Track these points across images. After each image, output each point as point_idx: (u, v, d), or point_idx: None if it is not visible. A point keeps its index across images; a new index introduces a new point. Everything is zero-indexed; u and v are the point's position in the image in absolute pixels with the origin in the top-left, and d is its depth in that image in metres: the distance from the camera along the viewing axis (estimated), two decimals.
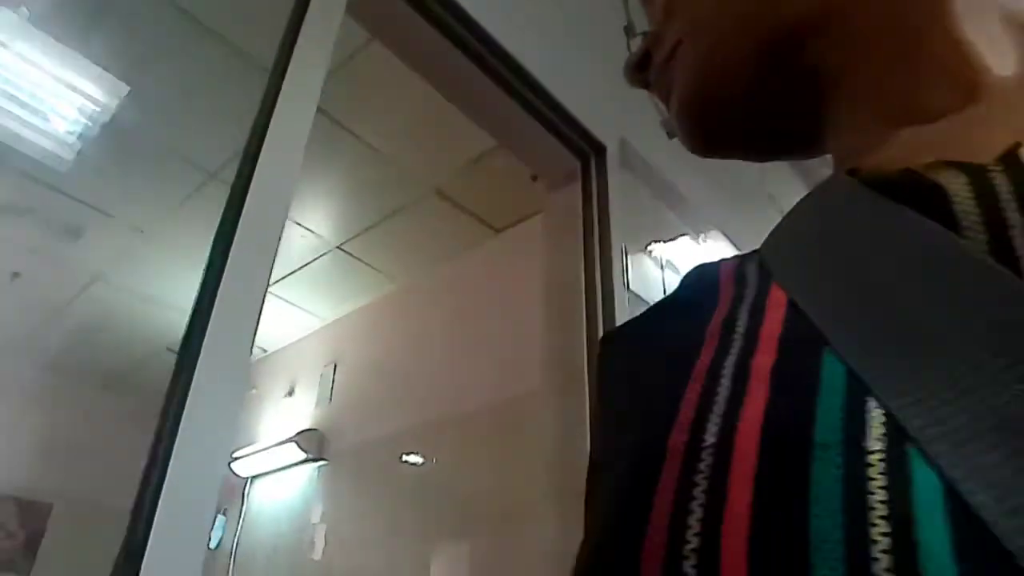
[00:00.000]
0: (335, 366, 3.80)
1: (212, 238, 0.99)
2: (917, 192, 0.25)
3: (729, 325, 0.28)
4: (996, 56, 0.30)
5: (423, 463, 2.97)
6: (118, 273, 3.74)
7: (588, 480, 0.33)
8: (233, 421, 0.86)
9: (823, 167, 0.36)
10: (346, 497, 3.29)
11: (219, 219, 1.01)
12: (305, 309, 4.04)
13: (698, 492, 0.22)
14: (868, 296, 0.25)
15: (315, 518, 3.37)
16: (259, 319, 0.99)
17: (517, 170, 2.81)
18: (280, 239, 1.22)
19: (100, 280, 3.79)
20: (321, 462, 3.51)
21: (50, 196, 3.18)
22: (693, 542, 0.21)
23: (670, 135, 0.46)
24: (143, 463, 0.75)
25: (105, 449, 4.16)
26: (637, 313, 0.36)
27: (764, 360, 0.25)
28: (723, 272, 0.33)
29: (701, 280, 0.34)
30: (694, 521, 0.22)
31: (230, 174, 1.17)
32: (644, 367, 0.32)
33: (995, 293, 0.21)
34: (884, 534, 0.18)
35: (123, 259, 3.61)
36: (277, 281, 3.76)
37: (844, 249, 0.27)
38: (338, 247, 3.46)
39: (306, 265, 3.63)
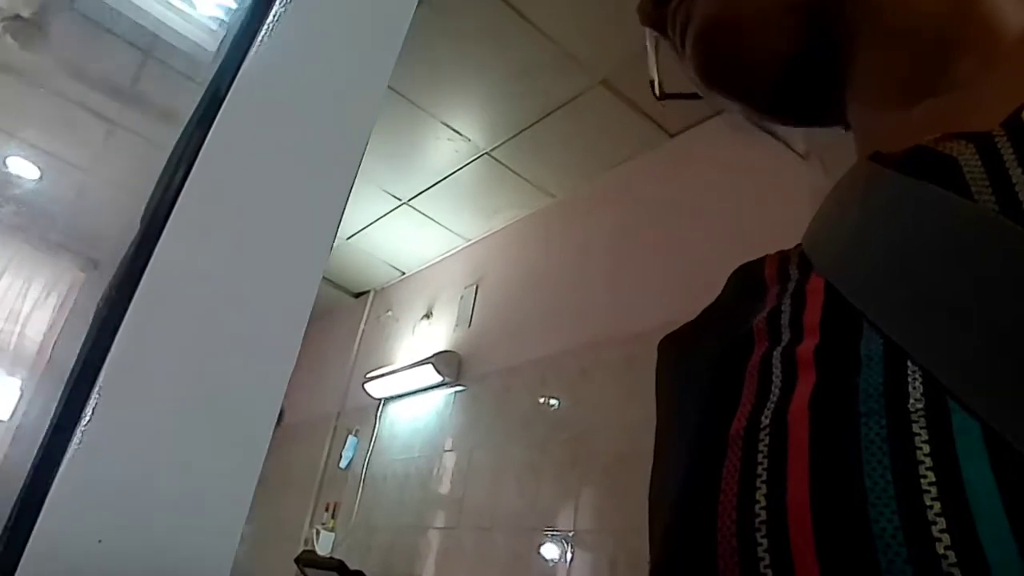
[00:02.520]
0: (476, 287, 3.54)
1: None
2: (931, 165, 0.26)
3: (774, 318, 0.30)
4: (1019, 10, 0.31)
5: (568, 395, 2.64)
6: None
7: (650, 494, 0.33)
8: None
9: None
10: (483, 425, 3.03)
11: None
12: (446, 226, 3.78)
13: (761, 470, 0.24)
14: (897, 269, 0.26)
15: (448, 445, 3.14)
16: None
17: None
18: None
19: None
20: (458, 387, 3.27)
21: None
22: (762, 515, 0.22)
23: (660, 94, 0.50)
24: None
25: None
26: None
27: (809, 345, 0.27)
28: (768, 271, 0.35)
29: (746, 280, 0.36)
30: (760, 496, 0.23)
31: None
32: (701, 372, 0.32)
33: (1006, 249, 0.22)
34: (932, 483, 0.20)
35: None
36: (419, 194, 3.52)
37: (871, 230, 0.28)
38: (487, 153, 3.13)
39: (450, 175, 3.34)
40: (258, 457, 0.35)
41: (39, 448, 0.31)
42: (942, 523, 0.19)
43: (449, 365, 3.31)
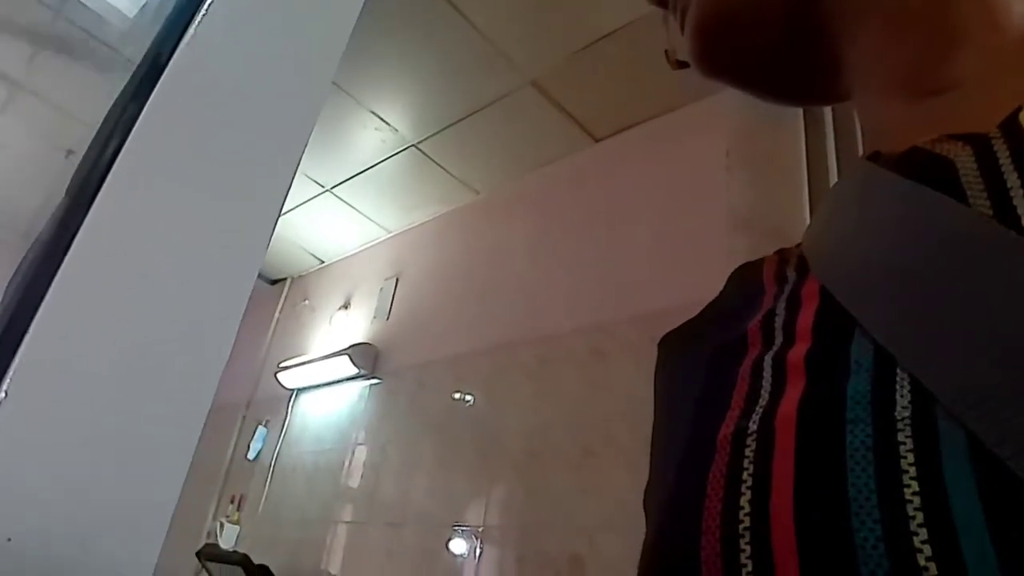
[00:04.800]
0: (396, 280, 3.50)
1: None
2: (927, 167, 0.26)
3: (768, 322, 0.30)
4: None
5: (482, 393, 2.64)
6: None
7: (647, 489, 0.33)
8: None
9: None
10: (396, 419, 3.00)
11: None
12: (368, 217, 3.73)
13: (746, 476, 0.24)
14: (888, 274, 0.26)
15: (360, 438, 3.10)
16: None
17: (628, 66, 2.43)
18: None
19: None
20: (374, 380, 3.23)
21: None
22: (745, 521, 0.22)
23: (675, 64, 0.46)
24: None
25: None
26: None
27: (800, 350, 0.26)
28: (767, 271, 0.34)
29: (745, 281, 0.36)
30: (744, 502, 0.23)
31: None
32: (696, 373, 0.32)
33: (999, 255, 0.22)
34: (916, 493, 0.19)
35: None
36: (342, 182, 3.45)
37: (866, 233, 0.28)
38: (414, 145, 3.10)
39: (375, 165, 3.29)
40: (186, 455, 0.33)
41: None
42: (924, 534, 0.19)
43: (365, 357, 3.26)
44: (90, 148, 0.36)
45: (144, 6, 2.50)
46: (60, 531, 0.30)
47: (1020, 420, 0.19)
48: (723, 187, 2.17)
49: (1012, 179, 0.23)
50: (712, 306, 0.38)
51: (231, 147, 0.38)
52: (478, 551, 2.30)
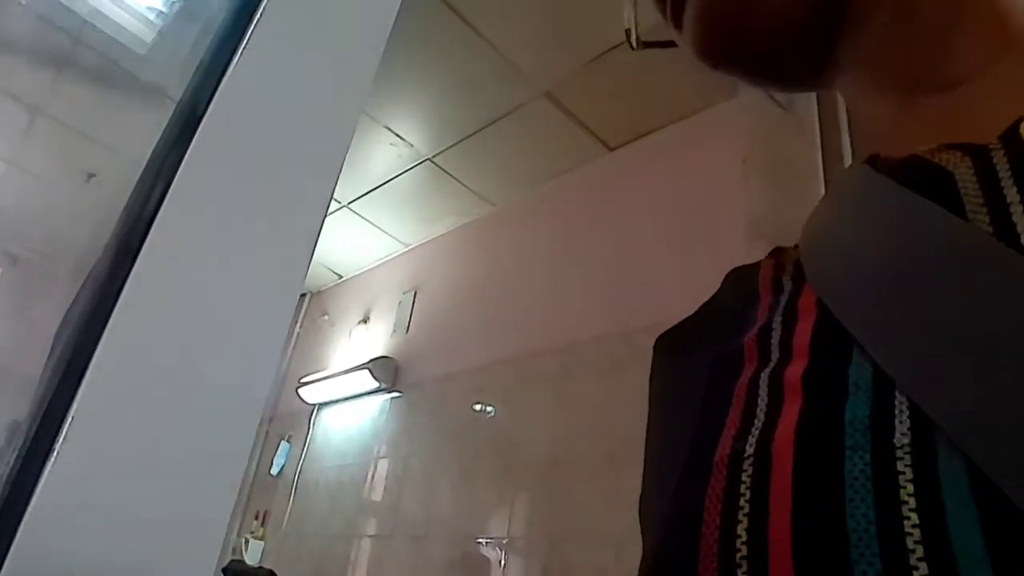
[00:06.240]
0: (415, 293, 3.52)
1: None
2: (926, 178, 0.25)
3: (765, 337, 0.29)
4: None
5: (503, 404, 2.65)
6: None
7: (641, 500, 0.33)
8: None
9: None
10: (418, 432, 3.01)
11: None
12: (386, 231, 3.75)
13: (743, 502, 0.23)
14: (889, 292, 0.25)
15: (382, 451, 3.11)
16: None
17: (641, 74, 2.45)
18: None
19: None
20: (394, 393, 3.25)
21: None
22: (743, 550, 0.22)
23: (639, 44, 0.48)
24: None
25: None
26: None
27: (797, 368, 0.26)
28: (762, 278, 0.34)
29: (740, 286, 0.35)
30: (741, 531, 0.22)
31: None
32: (692, 385, 0.32)
33: (998, 274, 0.21)
34: (916, 525, 0.19)
35: None
36: (359, 197, 3.48)
37: (864, 245, 0.28)
38: (429, 159, 3.13)
39: (392, 180, 3.32)
40: (235, 482, 0.35)
41: (11, 471, 0.30)
42: (924, 568, 0.18)
43: (385, 371, 3.28)
44: (138, 185, 0.38)
45: (160, 31, 2.54)
46: (119, 554, 0.31)
47: (1023, 450, 0.18)
48: (740, 194, 2.17)
49: (1012, 194, 0.22)
50: (707, 308, 0.37)
51: (272, 181, 0.40)
52: (503, 563, 2.30)
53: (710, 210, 2.28)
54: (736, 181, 2.25)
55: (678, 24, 0.41)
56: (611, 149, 2.86)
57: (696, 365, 0.32)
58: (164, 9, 2.54)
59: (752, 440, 0.25)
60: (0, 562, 0.28)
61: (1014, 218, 0.22)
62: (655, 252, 2.41)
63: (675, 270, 2.28)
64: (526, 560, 2.26)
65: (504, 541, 2.34)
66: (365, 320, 3.81)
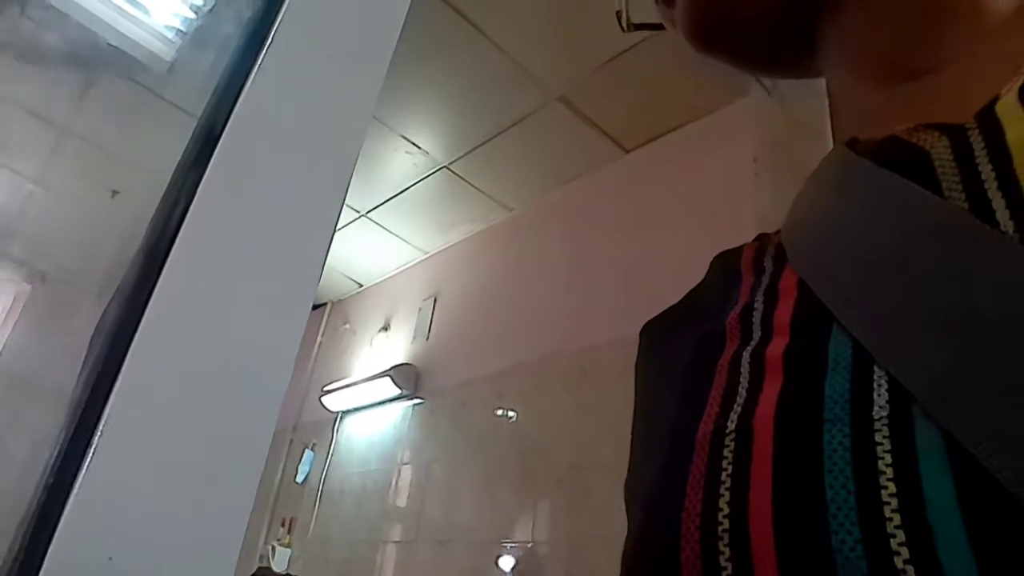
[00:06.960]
0: (434, 300, 3.54)
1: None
2: (904, 158, 0.26)
3: (747, 316, 0.30)
4: None
5: (524, 408, 2.66)
6: None
7: (627, 479, 0.34)
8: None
9: None
10: (440, 438, 3.03)
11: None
12: (404, 239, 3.78)
13: (725, 477, 0.24)
14: (867, 269, 0.25)
15: (405, 458, 3.14)
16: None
17: (653, 77, 2.45)
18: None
19: None
20: (416, 400, 3.27)
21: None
22: (724, 523, 0.22)
23: (630, 26, 0.49)
24: None
25: None
26: None
27: (778, 346, 0.26)
28: (744, 260, 0.35)
29: (725, 269, 0.36)
30: (723, 504, 0.23)
31: None
32: (676, 366, 0.32)
33: (974, 250, 0.21)
34: (893, 494, 0.19)
35: None
36: (377, 206, 3.52)
37: (843, 225, 0.28)
38: (445, 166, 3.15)
39: (408, 188, 3.35)
40: (254, 477, 0.36)
41: (50, 470, 0.32)
42: (901, 536, 0.19)
43: (407, 378, 3.30)
44: (162, 201, 0.40)
45: (180, 49, 2.59)
46: (150, 551, 0.33)
47: (997, 420, 0.19)
48: (752, 193, 2.17)
49: (987, 171, 0.22)
50: (693, 293, 0.38)
51: (286, 194, 0.42)
52: (527, 567, 2.31)
53: (724, 209, 2.28)
54: (750, 180, 2.26)
55: (669, 2, 0.42)
56: (627, 151, 2.87)
57: (681, 346, 0.33)
58: (183, 27, 2.59)
59: (734, 416, 0.25)
60: (40, 563, 0.30)
61: (989, 195, 0.22)
62: (671, 253, 2.41)
63: (690, 269, 2.28)
64: (550, 564, 2.27)
65: (528, 545, 2.35)
66: (386, 328, 3.84)
